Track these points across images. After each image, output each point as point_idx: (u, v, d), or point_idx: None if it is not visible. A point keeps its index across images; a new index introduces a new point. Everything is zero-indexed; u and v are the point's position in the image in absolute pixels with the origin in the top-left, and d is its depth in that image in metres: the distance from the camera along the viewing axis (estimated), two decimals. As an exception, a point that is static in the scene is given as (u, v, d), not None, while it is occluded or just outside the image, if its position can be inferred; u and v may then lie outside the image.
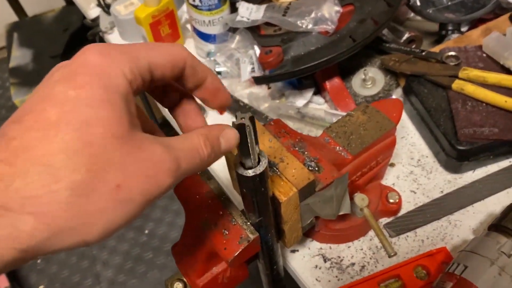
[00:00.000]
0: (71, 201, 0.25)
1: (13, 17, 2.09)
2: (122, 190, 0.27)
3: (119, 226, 0.28)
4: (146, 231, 1.78)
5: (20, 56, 1.87)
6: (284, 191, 0.45)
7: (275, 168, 0.48)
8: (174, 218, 1.81)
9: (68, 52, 1.85)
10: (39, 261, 1.72)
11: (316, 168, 0.50)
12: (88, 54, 0.28)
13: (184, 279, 0.54)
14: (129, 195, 0.27)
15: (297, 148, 0.52)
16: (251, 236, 0.46)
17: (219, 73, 0.85)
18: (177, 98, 0.39)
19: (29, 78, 1.79)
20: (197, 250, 0.50)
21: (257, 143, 0.38)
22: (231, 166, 0.53)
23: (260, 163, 0.39)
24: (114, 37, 1.00)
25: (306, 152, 0.52)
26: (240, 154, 0.38)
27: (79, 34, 1.78)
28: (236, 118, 0.36)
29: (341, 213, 0.54)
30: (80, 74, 0.27)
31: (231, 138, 0.35)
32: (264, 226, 0.46)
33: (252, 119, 0.36)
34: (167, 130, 1.96)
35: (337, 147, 0.56)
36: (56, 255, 1.74)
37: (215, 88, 0.37)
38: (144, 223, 1.80)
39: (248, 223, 0.47)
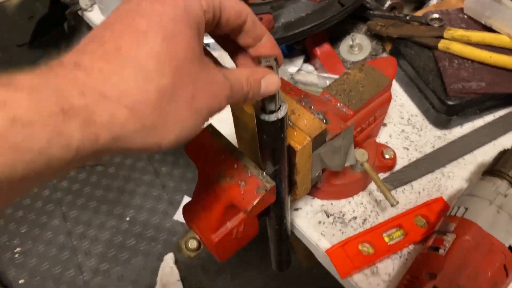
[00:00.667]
0: (159, 102, 0.28)
1: (-27, 6, 2.01)
2: (195, 101, 0.30)
3: (189, 135, 0.30)
4: (127, 218, 1.76)
5: (-16, 45, 1.80)
6: (299, 140, 0.47)
7: (288, 120, 0.49)
8: (155, 205, 1.79)
9: (35, 40, 1.79)
10: (16, 255, 1.67)
11: (324, 121, 0.52)
12: None
13: (198, 237, 0.54)
14: (200, 107, 0.30)
15: (303, 103, 0.53)
16: (268, 185, 0.47)
17: (207, 45, 0.85)
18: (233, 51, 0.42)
19: (-4, 67, 1.73)
20: (212, 205, 0.50)
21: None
22: (238, 124, 0.54)
23: (281, 108, 0.40)
24: (94, 14, 0.98)
25: (312, 107, 0.53)
26: (264, 99, 0.39)
27: (46, 21, 1.72)
28: (259, 62, 0.37)
29: (347, 164, 0.56)
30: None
31: (272, 82, 0.37)
32: (279, 176, 0.48)
33: (276, 61, 0.37)
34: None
35: (338, 104, 0.58)
36: (35, 248, 1.69)
37: (272, 45, 0.39)
38: (125, 210, 1.78)
39: (264, 173, 0.48)
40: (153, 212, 1.77)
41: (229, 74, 0.34)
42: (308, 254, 1.53)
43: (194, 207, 0.53)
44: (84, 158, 0.26)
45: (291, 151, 0.47)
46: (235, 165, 0.48)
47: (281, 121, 0.40)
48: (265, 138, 0.42)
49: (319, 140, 0.49)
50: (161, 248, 1.66)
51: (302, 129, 0.48)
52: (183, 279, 1.55)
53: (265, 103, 0.39)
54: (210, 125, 0.52)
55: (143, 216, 1.77)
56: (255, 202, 0.46)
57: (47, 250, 1.69)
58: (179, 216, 1.73)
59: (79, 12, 1.00)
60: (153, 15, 0.28)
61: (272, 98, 0.38)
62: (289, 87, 0.56)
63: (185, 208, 0.56)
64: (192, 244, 0.54)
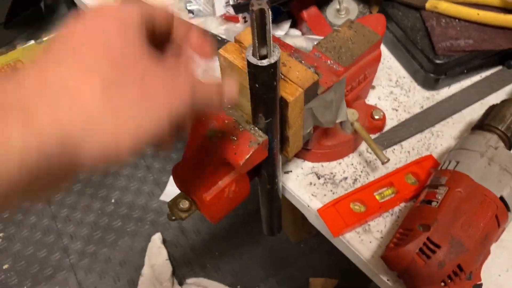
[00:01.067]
0: (104, 93, 0.27)
1: None
2: (149, 97, 0.28)
3: (149, 136, 0.28)
4: (113, 200, 1.73)
5: (-44, 25, 1.73)
6: (291, 92, 0.46)
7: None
8: (140, 186, 1.77)
9: (11, 20, 1.73)
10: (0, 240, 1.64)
11: (316, 74, 0.51)
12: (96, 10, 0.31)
13: (189, 197, 0.53)
14: (155, 103, 0.29)
15: (294, 58, 0.52)
16: (261, 139, 0.46)
17: (191, 11, 0.83)
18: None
19: (-30, 47, 1.67)
20: (203, 163, 0.49)
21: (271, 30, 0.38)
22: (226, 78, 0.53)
23: (274, 52, 0.39)
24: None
25: (303, 61, 0.52)
26: (257, 43, 0.37)
27: (21, 0, 1.67)
28: (252, 5, 0.35)
29: (338, 120, 0.55)
30: (96, 15, 0.31)
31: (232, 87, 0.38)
32: (271, 130, 0.47)
33: (268, 3, 0.35)
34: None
35: (328, 61, 0.57)
36: (19, 232, 1.66)
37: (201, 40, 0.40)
38: (110, 192, 1.76)
39: (256, 128, 0.47)
40: (139, 193, 1.75)
41: (192, 75, 0.34)
42: (295, 228, 1.54)
43: (185, 166, 0.52)
44: (32, 172, 0.24)
45: (283, 103, 0.46)
46: (226, 120, 0.47)
47: (274, 66, 0.39)
48: (257, 87, 0.41)
49: (311, 92, 0.48)
50: (148, 228, 1.64)
51: (294, 80, 0.47)
52: (171, 258, 1.54)
53: (257, 47, 0.38)
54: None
55: (129, 197, 1.74)
56: (247, 156, 0.45)
57: (31, 234, 1.66)
58: (165, 196, 1.72)
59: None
60: (87, 31, 0.30)
61: (264, 41, 0.37)
62: (279, 43, 0.55)
63: (175, 168, 0.54)
64: (184, 204, 0.52)
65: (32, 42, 1.69)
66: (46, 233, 1.66)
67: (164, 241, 1.60)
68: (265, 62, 0.38)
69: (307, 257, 1.51)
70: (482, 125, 0.58)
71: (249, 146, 0.45)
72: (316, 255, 1.56)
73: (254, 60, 0.38)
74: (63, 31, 0.30)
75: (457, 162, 0.54)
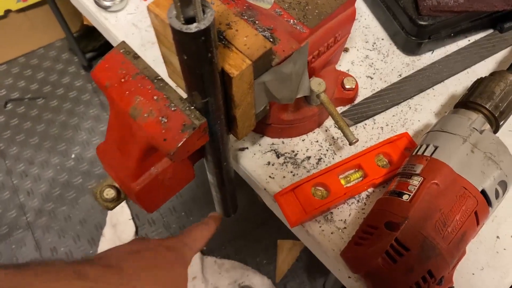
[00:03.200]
0: None
1: None
2: None
3: None
4: (73, 156, 1.63)
5: None
6: (236, 64, 0.36)
7: (221, 37, 0.38)
8: (103, 140, 1.67)
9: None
10: (-50, 196, 1.54)
11: (271, 40, 0.41)
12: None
13: (116, 185, 0.44)
14: None
15: (245, 17, 0.42)
16: (197, 122, 0.36)
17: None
18: None
19: None
20: (129, 147, 0.40)
21: (199, -14, 0.27)
22: (162, 40, 0.43)
23: (205, 14, 0.29)
24: None
25: (257, 22, 0.42)
26: (180, 1, 0.27)
27: None
28: None
29: (299, 95, 0.46)
30: None
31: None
32: (212, 111, 0.37)
33: None
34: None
35: (291, 20, 0.47)
36: (-30, 188, 1.56)
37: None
38: (69, 147, 1.65)
39: (192, 107, 0.37)
40: (101, 148, 1.65)
41: None
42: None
43: (109, 148, 0.43)
44: None
45: (226, 78, 0.37)
46: (155, 97, 0.38)
47: (205, 33, 0.29)
48: (186, 59, 0.31)
49: (262, 64, 0.38)
50: (92, 195, 1.56)
51: (241, 49, 0.37)
52: (134, 217, 1.48)
53: (180, 5, 0.28)
54: (123, 43, 0.40)
55: (90, 152, 1.64)
56: (179, 144, 0.36)
57: (-16, 190, 1.56)
58: (129, 152, 1.62)
59: None
60: (166, 256, 0.42)
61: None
62: (228, -4, 0.44)
63: (99, 148, 0.45)
64: (109, 193, 0.44)
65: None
66: (1, 189, 1.56)
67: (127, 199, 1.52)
68: (192, 28, 0.28)
69: (276, 218, 1.46)
70: (466, 102, 0.50)
71: (182, 131, 0.36)
72: (286, 216, 1.51)
73: (177, 25, 0.28)
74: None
75: (435, 148, 0.46)
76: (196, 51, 0.30)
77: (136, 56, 0.39)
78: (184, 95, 0.39)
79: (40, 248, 1.45)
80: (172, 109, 0.37)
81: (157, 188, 0.44)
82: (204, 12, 0.29)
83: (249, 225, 1.46)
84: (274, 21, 0.44)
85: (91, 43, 1.80)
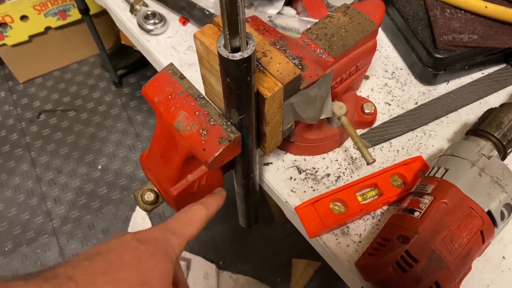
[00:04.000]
0: None
1: None
2: None
3: None
4: (99, 167, 1.70)
5: None
6: (269, 87, 0.42)
7: (258, 63, 0.43)
8: (128, 153, 1.74)
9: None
10: (-18, 199, 1.62)
11: (300, 66, 0.46)
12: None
13: (156, 189, 0.50)
14: None
15: (278, 46, 0.48)
16: (232, 136, 0.42)
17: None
18: None
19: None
20: (171, 155, 0.45)
21: (245, 21, 0.33)
22: (204, 65, 0.48)
23: (248, 45, 0.34)
24: None
25: (288, 50, 0.47)
26: (228, 33, 0.33)
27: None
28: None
29: (322, 116, 0.51)
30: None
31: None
32: (246, 126, 0.43)
33: None
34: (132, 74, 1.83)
35: (318, 50, 0.53)
36: (2, 193, 1.63)
37: None
38: (97, 158, 1.72)
39: (229, 122, 0.43)
40: (127, 161, 1.72)
41: None
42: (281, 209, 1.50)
43: (152, 156, 0.48)
44: None
45: (260, 99, 0.42)
46: (197, 112, 0.43)
47: (247, 61, 0.34)
48: (229, 81, 0.37)
49: (292, 88, 0.44)
50: (133, 197, 1.62)
51: (274, 74, 0.42)
52: (155, 229, 1.53)
53: (228, 38, 0.33)
54: (171, 65, 0.46)
55: (116, 164, 1.71)
56: (216, 154, 0.41)
57: (15, 195, 1.64)
58: (153, 166, 1.69)
59: None
60: (136, 250, 0.37)
61: (236, 32, 0.33)
62: (264, 27, 0.50)
63: (142, 156, 0.51)
64: (149, 196, 0.49)
65: (22, -4, 1.62)
66: (30, 195, 1.64)
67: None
68: (237, 56, 0.34)
69: (291, 237, 1.49)
70: (477, 130, 0.54)
71: (219, 143, 0.41)
72: (301, 237, 1.53)
73: (225, 53, 0.34)
74: (117, 243, 0.38)
75: (446, 170, 0.50)
76: (238, 75, 0.36)
77: (182, 77, 0.45)
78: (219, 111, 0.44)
79: (64, 254, 1.51)
80: (212, 123, 0.42)
81: (192, 193, 0.49)
82: (247, 43, 0.34)
83: (265, 243, 1.50)
84: (303, 50, 0.50)
85: (122, 61, 1.89)
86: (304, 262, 1.44)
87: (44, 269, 0.34)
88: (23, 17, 1.69)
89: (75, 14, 1.77)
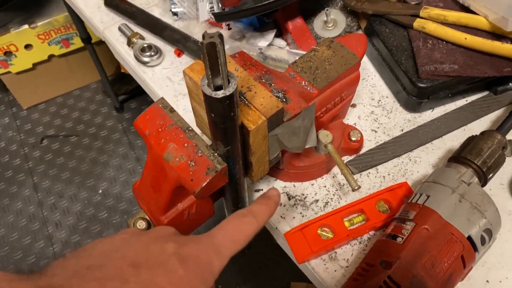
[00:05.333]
0: None
1: None
2: None
3: None
4: (100, 191, 1.72)
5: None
6: (253, 120, 0.44)
7: (242, 97, 0.46)
8: (129, 178, 1.76)
9: (5, 2, 1.70)
10: (-16, 225, 1.64)
11: (284, 99, 0.49)
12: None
13: (147, 217, 0.52)
14: None
15: (263, 80, 0.50)
16: (219, 166, 0.44)
17: (175, 13, 0.81)
18: None
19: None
20: (161, 185, 0.48)
21: (225, 63, 0.36)
22: (193, 98, 0.51)
23: (230, 83, 0.37)
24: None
25: (273, 84, 0.50)
26: (210, 74, 0.35)
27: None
28: (203, 38, 0.33)
29: (307, 146, 0.53)
30: None
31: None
32: (232, 157, 0.45)
33: (221, 37, 0.33)
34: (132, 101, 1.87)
35: (303, 82, 0.55)
36: (4, 217, 1.65)
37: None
38: (97, 182, 1.75)
39: (216, 154, 0.45)
40: (127, 185, 1.74)
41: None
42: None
43: (144, 185, 0.50)
44: None
45: (245, 131, 0.44)
46: (186, 144, 0.45)
47: (229, 98, 0.37)
48: (214, 117, 0.39)
49: (275, 120, 0.46)
50: (126, 225, 1.63)
51: (258, 107, 0.45)
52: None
53: (211, 79, 0.36)
54: (162, 99, 0.48)
55: (117, 188, 1.73)
56: (203, 184, 0.43)
57: (17, 220, 1.66)
58: (153, 190, 1.71)
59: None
60: (174, 274, 0.31)
61: (217, 73, 0.35)
62: (250, 62, 0.53)
63: (135, 186, 0.53)
64: (141, 224, 0.51)
65: (26, 26, 1.67)
66: (32, 220, 1.66)
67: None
68: (219, 94, 0.36)
69: (289, 260, 1.49)
70: (458, 157, 0.56)
71: (206, 173, 0.44)
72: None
73: (208, 91, 0.37)
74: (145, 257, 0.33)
75: (428, 197, 0.52)
76: (222, 111, 0.38)
77: (172, 110, 0.48)
78: (208, 141, 0.46)
79: (64, 279, 1.52)
80: (199, 154, 0.45)
81: (182, 221, 0.51)
82: (229, 81, 0.37)
83: (263, 266, 1.50)
84: (287, 83, 0.52)
85: (123, 87, 1.94)
86: (303, 285, 1.44)
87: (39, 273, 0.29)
88: (28, 46, 1.73)
89: (77, 42, 1.81)
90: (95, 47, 1.68)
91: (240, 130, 0.44)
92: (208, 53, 0.33)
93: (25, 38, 1.71)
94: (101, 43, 1.89)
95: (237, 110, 0.40)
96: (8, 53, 1.72)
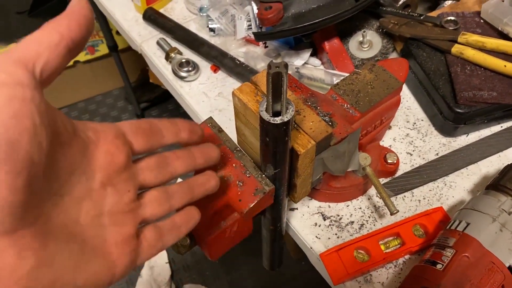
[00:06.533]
0: None
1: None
2: None
3: None
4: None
5: (-17, 10, 1.75)
6: (302, 143, 0.45)
7: (292, 121, 0.46)
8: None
9: (35, 9, 1.74)
10: None
11: (330, 123, 0.50)
12: None
13: (192, 233, 0.53)
14: None
15: (309, 103, 0.51)
16: (267, 188, 0.45)
17: (212, 30, 0.82)
18: None
19: (-6, 33, 1.69)
20: (207, 203, 0.48)
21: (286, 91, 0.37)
22: (239, 118, 0.52)
23: (288, 110, 0.38)
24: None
25: (318, 107, 0.51)
26: (271, 100, 0.36)
27: (47, -10, 1.67)
28: (269, 67, 0.34)
29: (350, 169, 0.54)
30: None
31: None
32: (279, 179, 0.46)
33: (286, 67, 0.34)
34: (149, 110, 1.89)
35: (345, 105, 0.56)
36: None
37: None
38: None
39: (263, 175, 0.46)
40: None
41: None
42: (298, 246, 1.52)
43: (188, 203, 0.51)
44: None
45: (294, 154, 0.45)
46: (234, 164, 0.46)
47: (287, 124, 0.38)
48: (268, 140, 0.40)
49: (323, 144, 0.47)
50: None
51: (307, 131, 0.46)
52: (171, 262, 1.55)
53: (271, 104, 0.37)
54: (210, 118, 0.49)
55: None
56: (251, 205, 0.44)
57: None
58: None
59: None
60: None
61: (278, 101, 0.36)
62: (296, 85, 0.53)
63: (178, 202, 0.54)
64: (184, 241, 0.52)
65: (54, 32, 1.70)
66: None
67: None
68: (277, 120, 0.37)
69: (307, 275, 1.50)
70: (497, 185, 0.56)
71: (254, 194, 0.44)
72: (317, 274, 1.54)
73: (266, 117, 0.37)
74: None
75: (467, 224, 0.52)
76: (277, 136, 0.39)
77: (220, 130, 0.49)
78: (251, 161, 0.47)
79: None
80: (247, 175, 0.46)
81: (223, 239, 0.51)
82: (287, 108, 0.38)
83: (279, 279, 1.50)
84: (332, 106, 0.53)
85: (146, 95, 1.96)
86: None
87: None
88: (54, 51, 1.77)
89: (103, 49, 1.84)
90: (120, 54, 1.70)
91: (289, 153, 0.44)
92: (273, 82, 0.34)
93: (53, 44, 1.74)
94: (126, 50, 1.93)
95: (290, 135, 0.40)
96: (35, 58, 1.75)
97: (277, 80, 0.34)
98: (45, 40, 0.26)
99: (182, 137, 0.37)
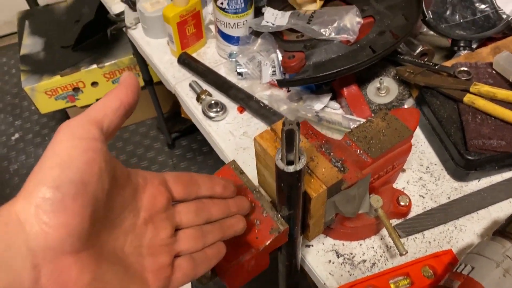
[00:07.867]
0: None
1: (25, 6, 2.11)
2: None
3: None
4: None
5: (31, 44, 1.89)
6: (315, 188, 0.50)
7: (306, 167, 0.52)
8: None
9: (79, 43, 1.87)
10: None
11: (342, 169, 0.54)
12: None
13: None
14: None
15: (323, 149, 0.56)
16: (282, 228, 0.50)
17: (240, 74, 0.89)
18: None
19: (40, 66, 1.81)
20: (228, 239, 0.53)
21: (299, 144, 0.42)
22: (259, 160, 0.57)
23: (300, 160, 0.43)
24: (137, 33, 1.04)
25: (332, 153, 0.56)
26: (286, 152, 0.42)
27: (91, 26, 1.80)
28: (284, 124, 0.40)
29: (360, 211, 0.58)
30: None
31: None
32: (293, 219, 0.50)
33: (298, 125, 0.40)
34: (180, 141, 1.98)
35: (358, 150, 0.61)
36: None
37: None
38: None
39: (279, 215, 0.51)
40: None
41: None
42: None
43: (211, 237, 0.56)
44: None
45: (307, 197, 0.50)
46: (253, 204, 0.52)
47: (299, 172, 0.43)
48: (283, 186, 0.45)
49: (334, 189, 0.52)
50: None
51: (319, 177, 0.51)
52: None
53: (285, 155, 0.42)
54: (233, 162, 0.55)
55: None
56: (267, 243, 0.49)
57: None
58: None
59: (123, 29, 1.06)
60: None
61: (291, 150, 0.41)
62: (312, 131, 0.59)
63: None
64: (207, 272, 0.57)
65: (95, 66, 1.82)
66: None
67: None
68: (291, 169, 0.42)
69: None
70: (503, 231, 0.59)
71: (270, 232, 0.49)
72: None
73: (281, 165, 0.43)
74: None
75: (472, 268, 0.55)
76: (291, 182, 0.44)
77: (241, 172, 0.54)
78: (268, 197, 0.52)
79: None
80: (264, 215, 0.51)
81: (242, 272, 0.56)
82: (299, 158, 0.43)
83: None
84: (345, 152, 0.58)
85: (177, 125, 2.05)
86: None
87: None
88: (94, 83, 1.89)
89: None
90: (154, 86, 1.81)
91: (302, 197, 0.49)
92: (287, 137, 0.40)
93: (93, 76, 1.86)
94: (160, 83, 2.03)
95: (303, 181, 0.45)
96: (76, 89, 1.88)
97: (290, 135, 0.39)
98: (110, 105, 0.34)
99: (216, 191, 0.44)
